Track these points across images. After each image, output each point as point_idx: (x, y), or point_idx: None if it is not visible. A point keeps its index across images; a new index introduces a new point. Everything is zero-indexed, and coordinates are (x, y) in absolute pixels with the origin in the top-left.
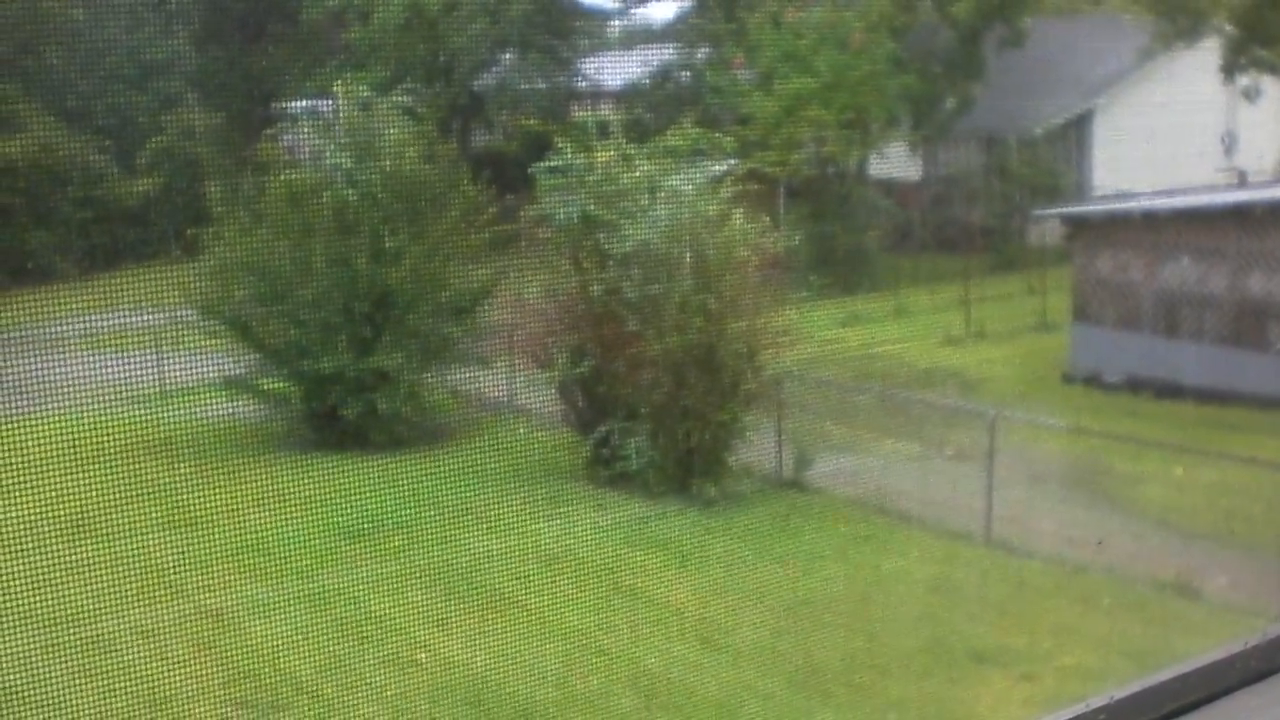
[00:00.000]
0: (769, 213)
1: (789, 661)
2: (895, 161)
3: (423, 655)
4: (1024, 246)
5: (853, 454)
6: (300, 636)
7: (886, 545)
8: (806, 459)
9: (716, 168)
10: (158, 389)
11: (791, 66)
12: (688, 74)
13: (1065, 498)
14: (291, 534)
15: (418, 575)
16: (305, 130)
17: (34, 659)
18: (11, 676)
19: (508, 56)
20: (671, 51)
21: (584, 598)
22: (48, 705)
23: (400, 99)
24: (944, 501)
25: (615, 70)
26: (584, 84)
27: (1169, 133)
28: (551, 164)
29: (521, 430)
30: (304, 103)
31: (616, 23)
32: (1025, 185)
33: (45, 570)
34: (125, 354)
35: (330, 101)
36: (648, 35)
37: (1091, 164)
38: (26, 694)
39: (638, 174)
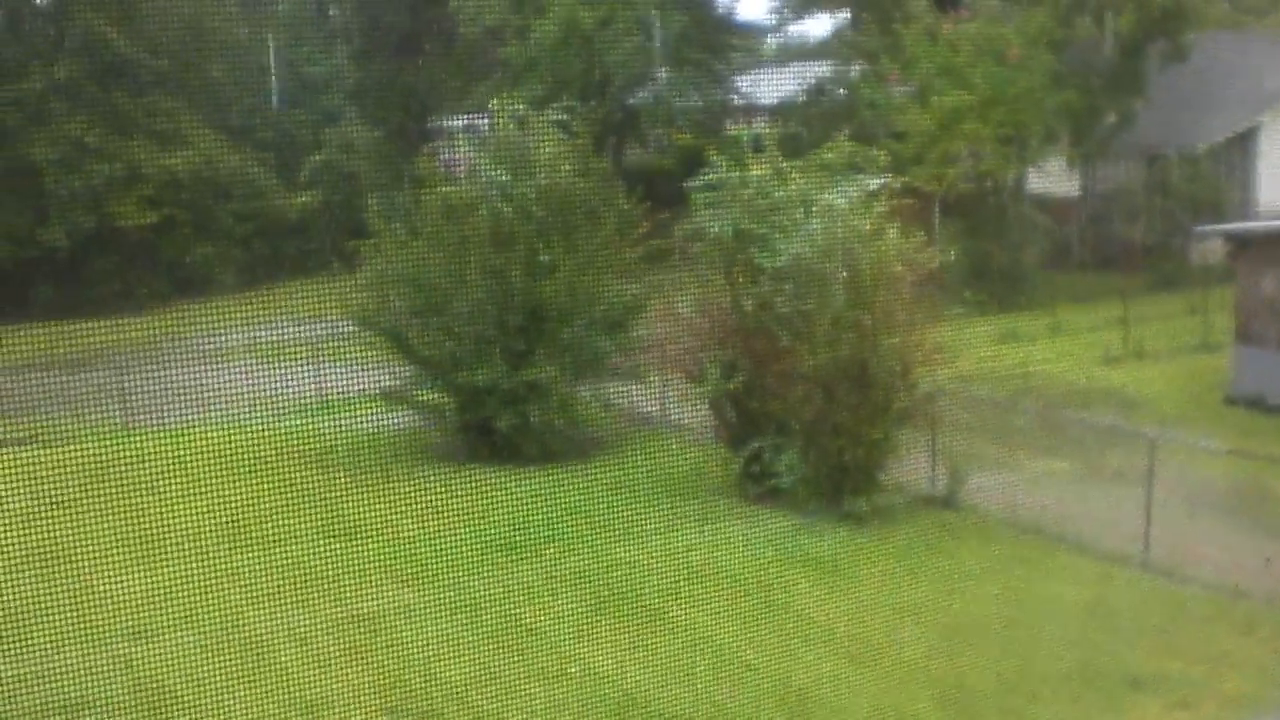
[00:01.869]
0: (924, 228)
1: (939, 682)
2: (1053, 177)
3: (572, 667)
4: (1185, 264)
5: (1007, 473)
6: (451, 645)
7: (1040, 566)
8: (960, 477)
9: (871, 183)
10: (317, 400)
11: (948, 81)
12: (843, 89)
13: (1225, 522)
14: (444, 543)
15: (568, 587)
16: (462, 145)
17: (193, 660)
18: (171, 676)
19: (662, 72)
20: (826, 66)
21: (733, 612)
22: (205, 705)
23: (555, 115)
24: (1100, 523)
25: (769, 85)
26: (738, 99)
27: None
28: (705, 179)
29: (672, 445)
30: (461, 118)
31: (771, 38)
32: (1187, 202)
33: (206, 574)
34: (285, 365)
35: (486, 117)
36: (802, 50)
37: (1256, 181)
38: (185, 694)
39: (791, 189)
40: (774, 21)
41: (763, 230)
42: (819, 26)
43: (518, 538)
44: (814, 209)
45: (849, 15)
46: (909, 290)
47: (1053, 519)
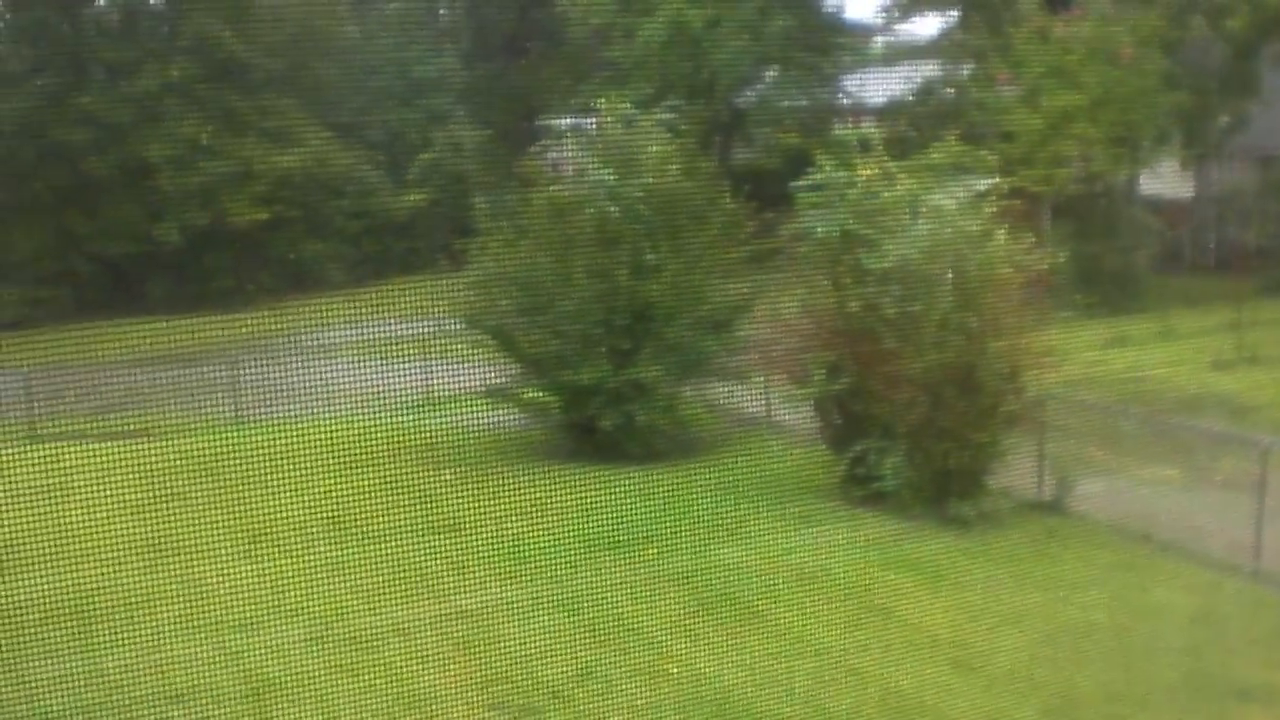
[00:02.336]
0: (1033, 230)
1: (1044, 690)
2: (1165, 179)
3: (673, 667)
4: None
5: (1115, 479)
6: (553, 642)
7: (1148, 574)
8: (1067, 483)
9: (979, 184)
10: (424, 396)
11: (1059, 81)
12: (951, 89)
13: None
14: (547, 541)
15: (669, 586)
16: (569, 145)
17: (299, 652)
18: (276, 668)
19: (769, 72)
20: (935, 67)
21: (835, 616)
22: (310, 697)
23: (662, 115)
24: (1210, 531)
25: (877, 85)
26: (845, 99)
27: None
28: (811, 180)
29: (775, 446)
30: (567, 118)
31: (879, 38)
32: None
33: (312, 567)
34: (393, 362)
35: (593, 117)
36: (911, 50)
37: None
38: (290, 685)
39: (899, 190)
40: (882, 21)
41: (869, 231)
42: (927, 26)
43: (620, 536)
44: (921, 210)
45: (958, 15)
46: (1017, 293)
47: (1161, 526)
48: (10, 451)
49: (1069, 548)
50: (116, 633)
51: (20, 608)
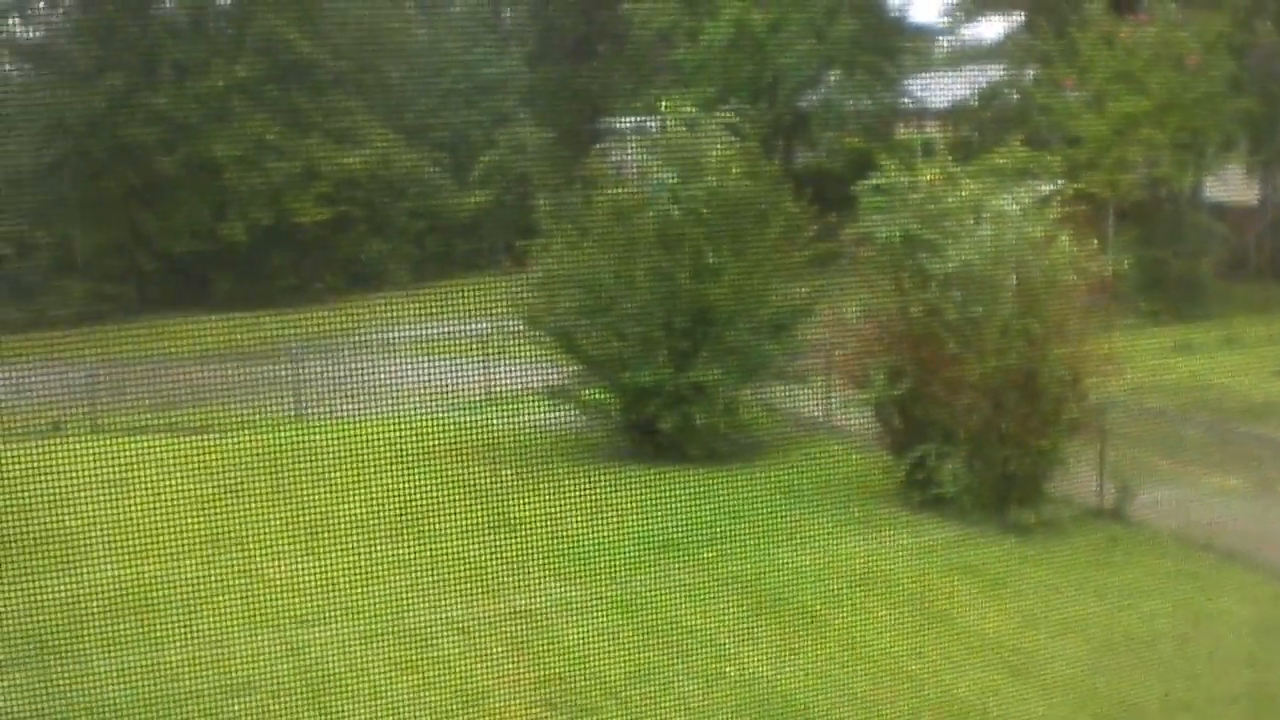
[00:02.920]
0: (1097, 236)
1: (1103, 699)
2: (1230, 185)
3: (730, 669)
4: None
5: (1178, 487)
6: (609, 642)
7: (1211, 584)
8: (1129, 490)
9: (1043, 189)
10: (484, 395)
11: (1124, 86)
12: (1015, 93)
13: None
14: (605, 541)
15: (726, 588)
16: (631, 147)
17: (357, 647)
18: (335, 663)
19: (833, 75)
20: (999, 70)
21: (893, 621)
22: (368, 692)
23: (725, 117)
24: (1274, 541)
25: (941, 89)
26: (909, 102)
27: None
28: (874, 183)
29: (835, 450)
30: (631, 120)
31: (944, 41)
32: None
33: (370, 563)
34: (454, 361)
35: (656, 119)
36: (975, 54)
37: None
38: (347, 681)
39: (962, 194)
40: (947, 24)
41: (932, 235)
42: (992, 29)
43: (678, 538)
44: (985, 214)
45: (1023, 18)
46: (1081, 299)
47: (1224, 536)
48: (74, 444)
49: (1130, 556)
50: (176, 625)
51: (83, 599)
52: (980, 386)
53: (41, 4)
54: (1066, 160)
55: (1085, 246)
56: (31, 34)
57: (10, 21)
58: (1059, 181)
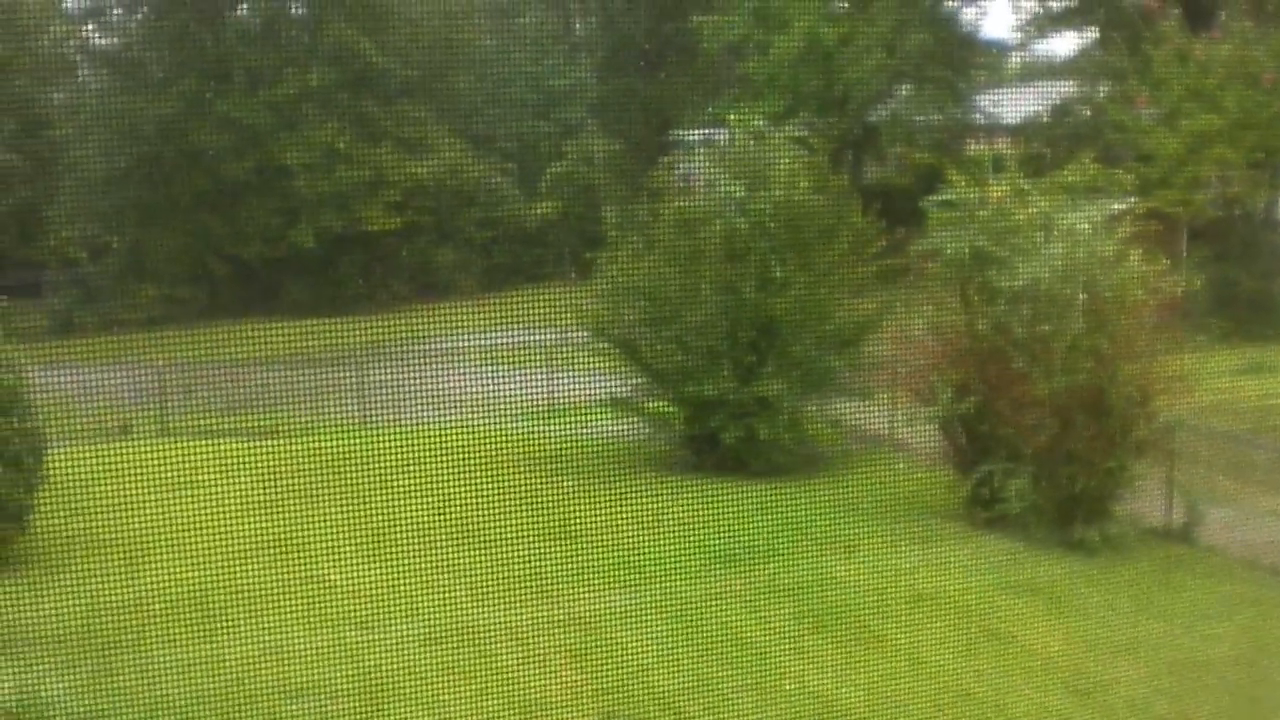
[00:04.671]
0: (1168, 254)
1: None
2: None
3: (789, 683)
4: None
5: (1246, 510)
6: (667, 653)
7: (1276, 608)
8: (1196, 512)
9: (1114, 206)
10: (547, 405)
11: (1198, 104)
12: (1088, 109)
13: None
14: (665, 552)
15: (786, 602)
16: (699, 159)
17: (415, 652)
18: (393, 666)
19: (903, 89)
20: (1071, 86)
21: (954, 639)
22: (424, 697)
23: (794, 130)
24: None
25: (1011, 104)
26: (979, 117)
27: None
28: (943, 198)
29: (899, 465)
30: (699, 132)
31: (1015, 56)
32: None
33: (431, 569)
34: (518, 370)
35: (724, 131)
36: (1047, 69)
37: None
38: (405, 684)
39: (1031, 210)
40: (1018, 39)
41: (1001, 251)
42: (1064, 45)
43: (739, 550)
44: (1054, 231)
45: (1096, 34)
46: (1151, 317)
47: None
48: (143, 446)
49: (1195, 578)
50: (239, 627)
51: (149, 599)
52: (1047, 404)
53: (117, 11)
54: (1138, 177)
55: (1156, 265)
56: (107, 41)
57: (86, 28)
58: (1130, 199)
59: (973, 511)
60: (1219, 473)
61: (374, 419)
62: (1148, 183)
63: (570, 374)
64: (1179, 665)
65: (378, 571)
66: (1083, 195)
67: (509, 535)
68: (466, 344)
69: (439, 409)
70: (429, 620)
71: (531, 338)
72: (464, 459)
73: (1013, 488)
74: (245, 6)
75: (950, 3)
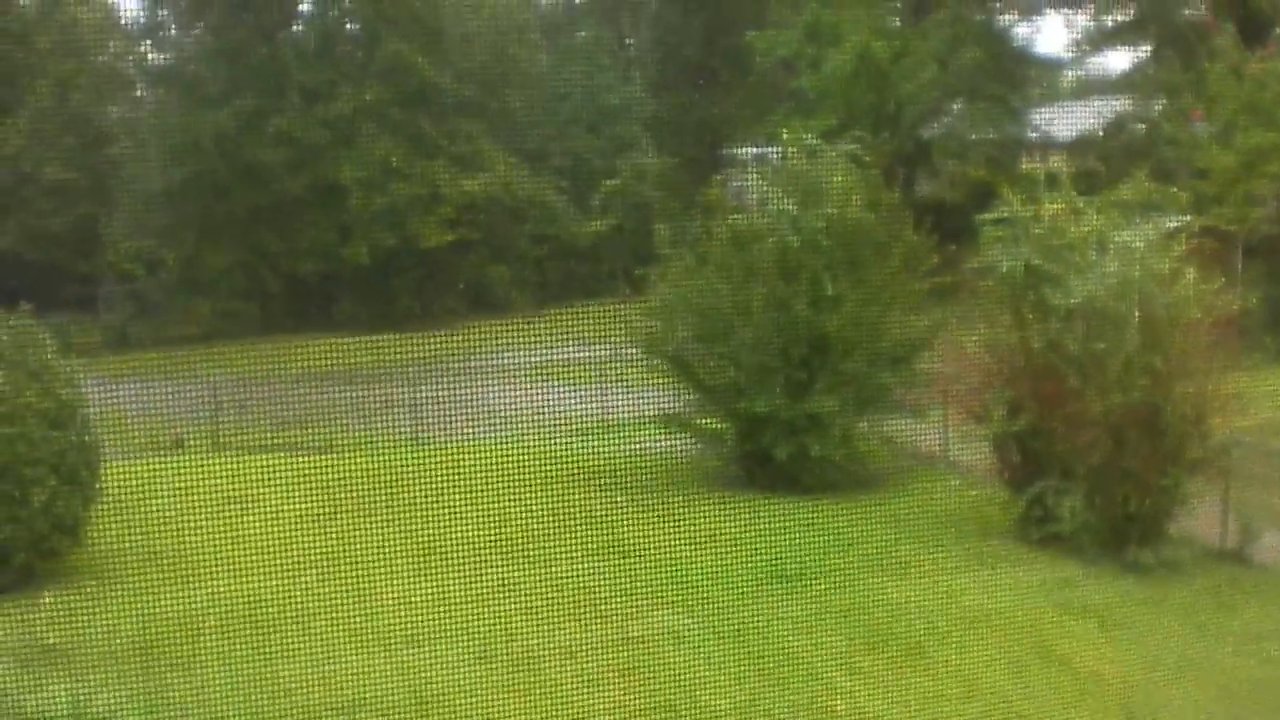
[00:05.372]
0: (1223, 271)
1: None
2: None
3: (839, 703)
4: None
5: None
6: (717, 671)
7: None
8: (1252, 532)
9: (1169, 223)
10: (599, 421)
11: (1253, 119)
12: (1142, 125)
13: None
14: (717, 569)
15: (838, 621)
16: (752, 175)
17: (465, 669)
18: (443, 683)
19: (956, 105)
20: (1126, 102)
21: (1005, 659)
22: (475, 713)
23: (846, 146)
24: None
25: (1066, 120)
26: (1033, 133)
27: None
28: (997, 214)
29: (951, 483)
30: (752, 148)
31: (1069, 72)
32: None
33: (482, 586)
34: (570, 386)
35: (777, 147)
36: (1101, 85)
37: None
38: (455, 702)
39: (1086, 227)
40: (1073, 55)
41: (1055, 268)
42: (1119, 61)
43: (790, 568)
44: (1108, 249)
45: (1151, 50)
46: (1206, 335)
47: None
48: (195, 461)
49: (1252, 599)
50: (289, 642)
51: (201, 613)
52: (1101, 422)
53: (175, 29)
54: (1193, 194)
55: (1211, 282)
56: (164, 58)
57: (144, 45)
58: (1185, 216)
59: (1025, 531)
60: (1275, 493)
61: (426, 435)
62: (1203, 199)
63: (622, 390)
64: (1234, 688)
65: (429, 588)
66: (1137, 212)
67: (560, 551)
68: (519, 360)
69: (491, 425)
70: (480, 637)
71: (584, 354)
72: (516, 475)
73: (1066, 507)
74: (301, 24)
75: (1004, 18)
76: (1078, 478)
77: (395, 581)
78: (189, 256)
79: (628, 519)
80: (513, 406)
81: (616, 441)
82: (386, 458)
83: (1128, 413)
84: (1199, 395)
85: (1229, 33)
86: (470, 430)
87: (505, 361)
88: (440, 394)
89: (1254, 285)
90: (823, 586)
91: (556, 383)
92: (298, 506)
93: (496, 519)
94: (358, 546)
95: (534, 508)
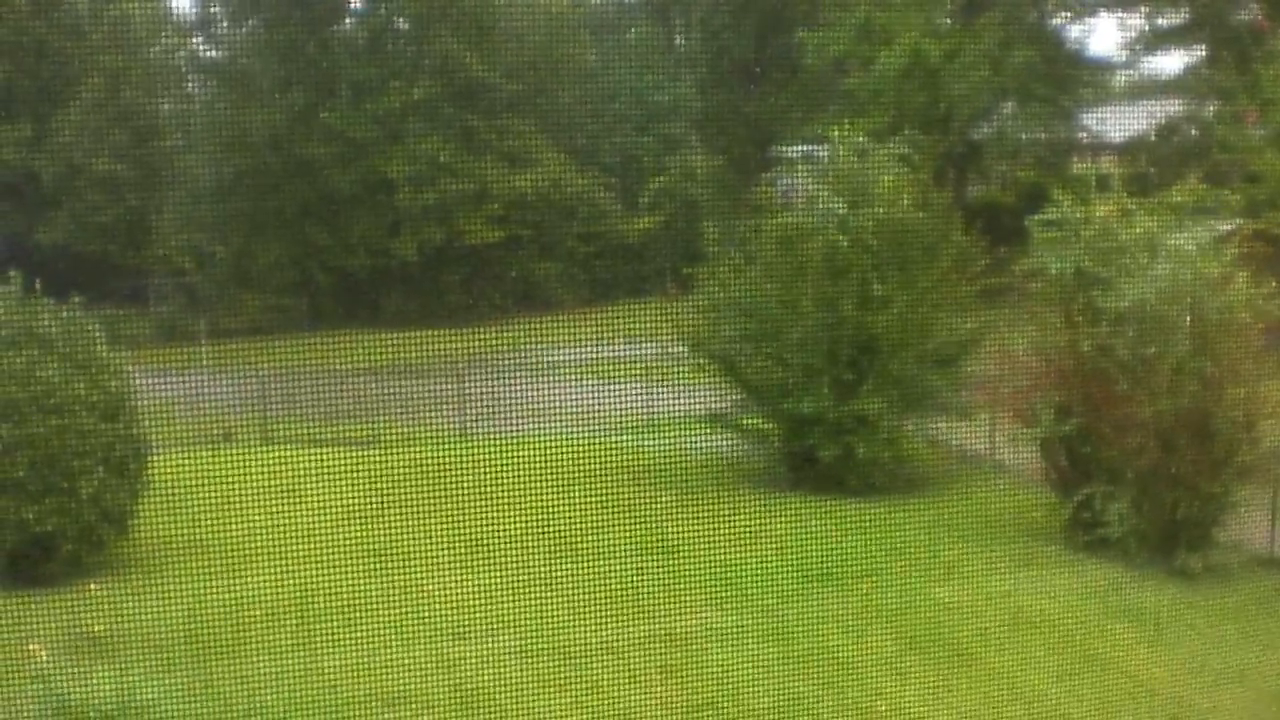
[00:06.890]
0: (1276, 276)
1: None
2: None
3: (882, 703)
4: None
5: None
6: (761, 670)
7: None
8: None
9: (1222, 226)
10: (645, 419)
11: None
12: (1195, 128)
13: None
14: (761, 568)
15: (883, 622)
16: (801, 175)
17: (510, 664)
18: (484, 677)
19: (1007, 106)
20: (1178, 105)
21: (1051, 663)
22: (518, 708)
23: (897, 147)
24: None
25: (1118, 122)
26: (1085, 136)
27: None
28: (1047, 217)
29: (998, 485)
30: (801, 148)
31: (1122, 74)
32: None
33: (526, 581)
34: (617, 383)
35: (827, 147)
36: (1154, 88)
37: None
38: (498, 696)
39: (1137, 230)
40: (1125, 57)
41: (1105, 272)
42: (1172, 63)
43: (835, 568)
44: (1160, 252)
45: (1204, 52)
46: (1258, 340)
47: None
48: (244, 453)
49: None
50: (335, 634)
51: (248, 605)
52: (1151, 427)
53: (226, 24)
54: (1246, 198)
55: (1264, 286)
56: (215, 53)
57: (195, 40)
58: (1238, 219)
59: (1073, 534)
60: None
61: (473, 430)
62: (1255, 203)
63: (669, 388)
64: None
65: (475, 582)
66: (1189, 215)
67: (606, 548)
68: (566, 357)
69: (538, 421)
70: (525, 632)
71: (631, 351)
72: (562, 471)
73: (1114, 511)
74: (351, 20)
75: (1056, 19)
76: (1126, 482)
77: (441, 575)
78: (239, 250)
79: (673, 517)
80: (559, 402)
81: (663, 439)
82: (433, 452)
83: (1177, 417)
84: (1249, 400)
85: None
86: (517, 425)
87: (552, 357)
88: (487, 389)
89: None
90: (867, 587)
91: (603, 380)
92: (345, 500)
93: (543, 514)
94: (404, 540)
95: (580, 504)
